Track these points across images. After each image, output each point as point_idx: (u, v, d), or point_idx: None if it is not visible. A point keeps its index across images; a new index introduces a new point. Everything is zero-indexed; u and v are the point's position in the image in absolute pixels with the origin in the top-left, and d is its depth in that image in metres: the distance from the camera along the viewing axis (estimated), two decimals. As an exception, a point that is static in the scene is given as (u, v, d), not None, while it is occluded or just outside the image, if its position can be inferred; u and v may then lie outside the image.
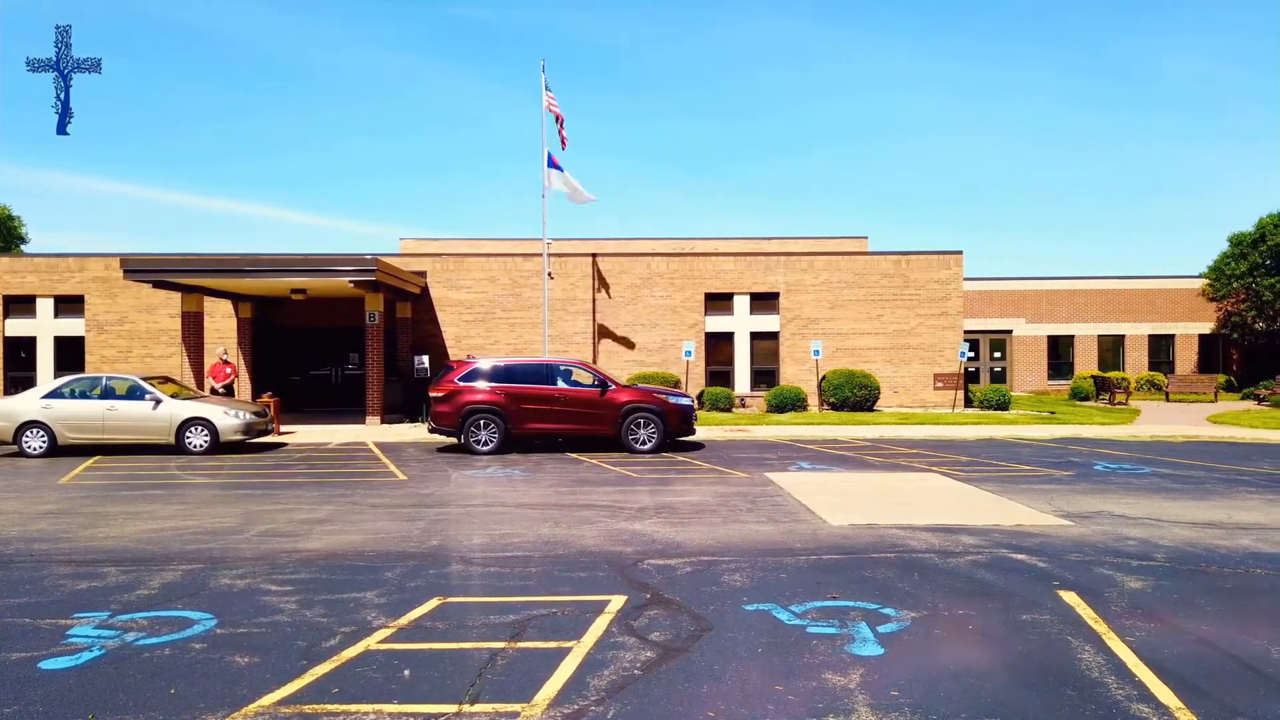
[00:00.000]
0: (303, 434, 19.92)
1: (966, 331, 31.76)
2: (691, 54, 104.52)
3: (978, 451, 16.37)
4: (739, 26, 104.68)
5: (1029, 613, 6.23)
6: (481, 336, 26.52)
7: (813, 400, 26.26)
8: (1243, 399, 31.31)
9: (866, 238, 34.05)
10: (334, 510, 10.53)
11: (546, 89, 23.61)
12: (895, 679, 4.94)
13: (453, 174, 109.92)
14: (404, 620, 6.10)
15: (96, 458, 16.02)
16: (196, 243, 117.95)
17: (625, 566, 7.62)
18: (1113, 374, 33.08)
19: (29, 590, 6.96)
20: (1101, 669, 5.11)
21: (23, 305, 26.54)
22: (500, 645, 5.54)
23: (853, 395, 24.86)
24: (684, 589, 6.87)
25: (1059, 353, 36.16)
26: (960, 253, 27.15)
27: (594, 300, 26.73)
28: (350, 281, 20.58)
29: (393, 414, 22.80)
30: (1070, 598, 6.57)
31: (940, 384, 26.75)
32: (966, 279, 30.17)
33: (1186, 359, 36.05)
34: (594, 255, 27.09)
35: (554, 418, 16.57)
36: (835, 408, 25.25)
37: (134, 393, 16.64)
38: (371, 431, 20.46)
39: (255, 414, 17.31)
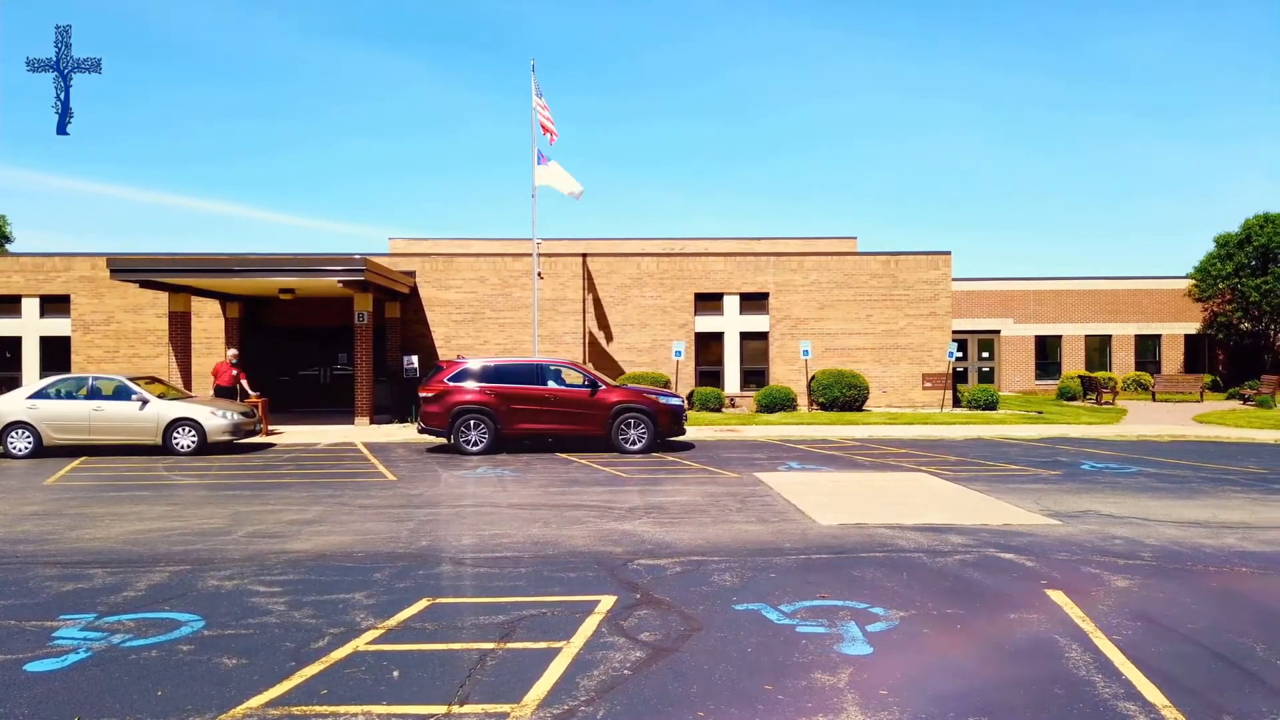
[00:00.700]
0: (291, 434, 19.85)
1: (955, 331, 31.90)
2: (681, 54, 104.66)
3: (966, 451, 16.44)
4: (729, 27, 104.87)
5: (1017, 612, 6.26)
6: (471, 336, 26.47)
7: (802, 400, 26.33)
8: (1228, 399, 31.54)
9: (855, 238, 34.16)
10: (323, 511, 10.49)
11: (536, 90, 23.58)
12: (884, 678, 4.96)
13: (442, 175, 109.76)
14: (393, 621, 6.08)
15: (83, 459, 15.92)
16: (185, 244, 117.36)
17: (615, 567, 7.62)
18: (1100, 374, 33.28)
19: (14, 592, 6.91)
20: (1089, 667, 5.14)
21: (8, 305, 26.32)
22: (490, 646, 5.53)
23: (842, 395, 24.93)
24: (674, 589, 6.88)
25: (1046, 353, 36.35)
26: (949, 253, 27.26)
27: (584, 300, 26.72)
28: (339, 281, 20.51)
29: (382, 414, 22.73)
30: (1058, 596, 6.60)
31: (929, 384, 26.85)
32: (955, 279, 30.31)
33: (1173, 359, 36.30)
34: (584, 255, 27.08)
35: (544, 418, 16.55)
36: (824, 408, 25.31)
37: (120, 393, 16.53)
38: (360, 432, 20.40)
39: (243, 414, 17.23)
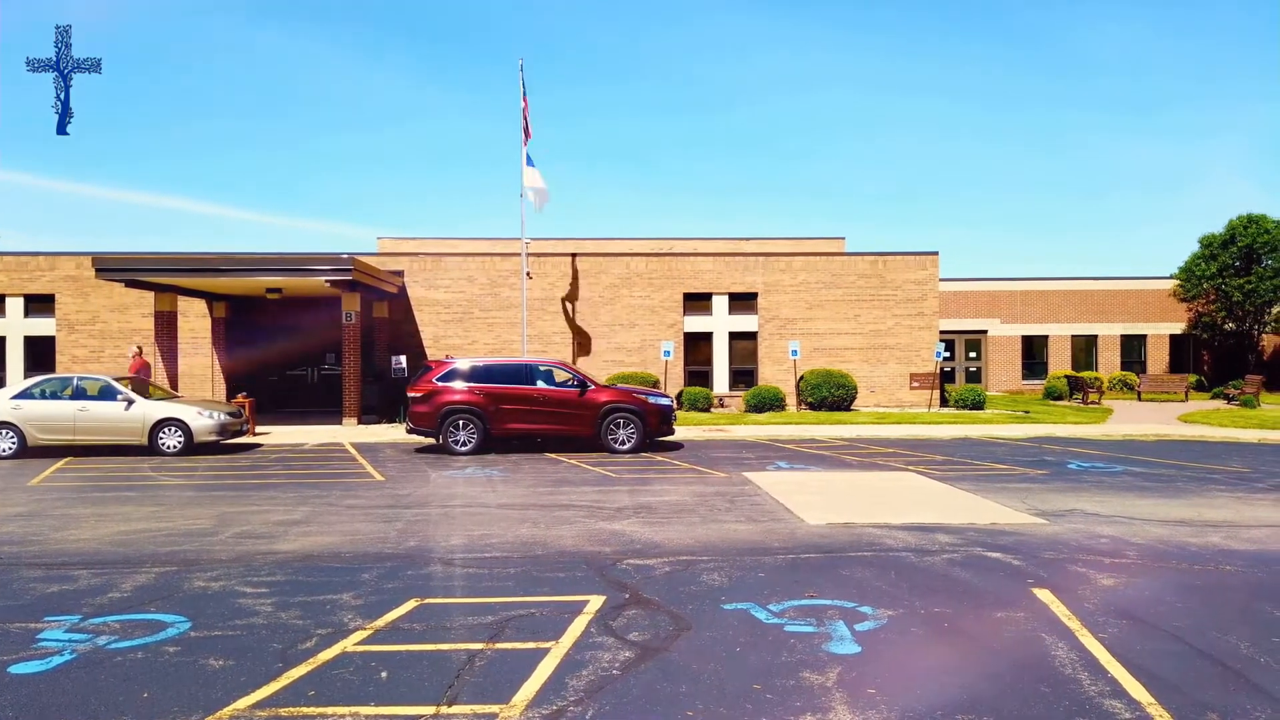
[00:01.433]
0: (278, 435, 19.75)
1: (942, 331, 32.03)
2: (669, 53, 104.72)
3: (953, 450, 16.51)
4: (720, 28, 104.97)
5: (1004, 610, 6.29)
6: (460, 336, 26.41)
7: (791, 400, 26.38)
8: (1213, 398, 31.78)
9: (844, 238, 34.25)
10: (310, 511, 10.45)
11: (523, 89, 23.56)
12: (872, 677, 4.98)
13: (430, 174, 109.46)
14: (381, 622, 6.06)
15: (68, 459, 15.81)
16: (171, 245, 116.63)
17: (604, 566, 7.62)
18: (1086, 374, 33.50)
19: (-2, 594, 6.85)
20: (1075, 665, 5.17)
21: (-9, 304, 26.13)
22: (479, 646, 5.52)
23: (830, 395, 25.00)
24: (662, 589, 6.88)
25: (1033, 353, 36.55)
26: (936, 253, 27.37)
27: (573, 300, 26.70)
28: (326, 281, 20.43)
29: (370, 414, 22.65)
30: (1044, 595, 6.64)
31: (917, 384, 26.95)
32: (942, 280, 30.42)
33: (1158, 359, 36.56)
34: (573, 255, 27.06)
35: (533, 418, 16.53)
36: (813, 407, 25.37)
37: (105, 393, 16.42)
38: (348, 432, 20.32)
39: (230, 414, 17.14)
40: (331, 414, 23.99)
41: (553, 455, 16.00)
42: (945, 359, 33.45)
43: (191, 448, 16.33)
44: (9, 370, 26.01)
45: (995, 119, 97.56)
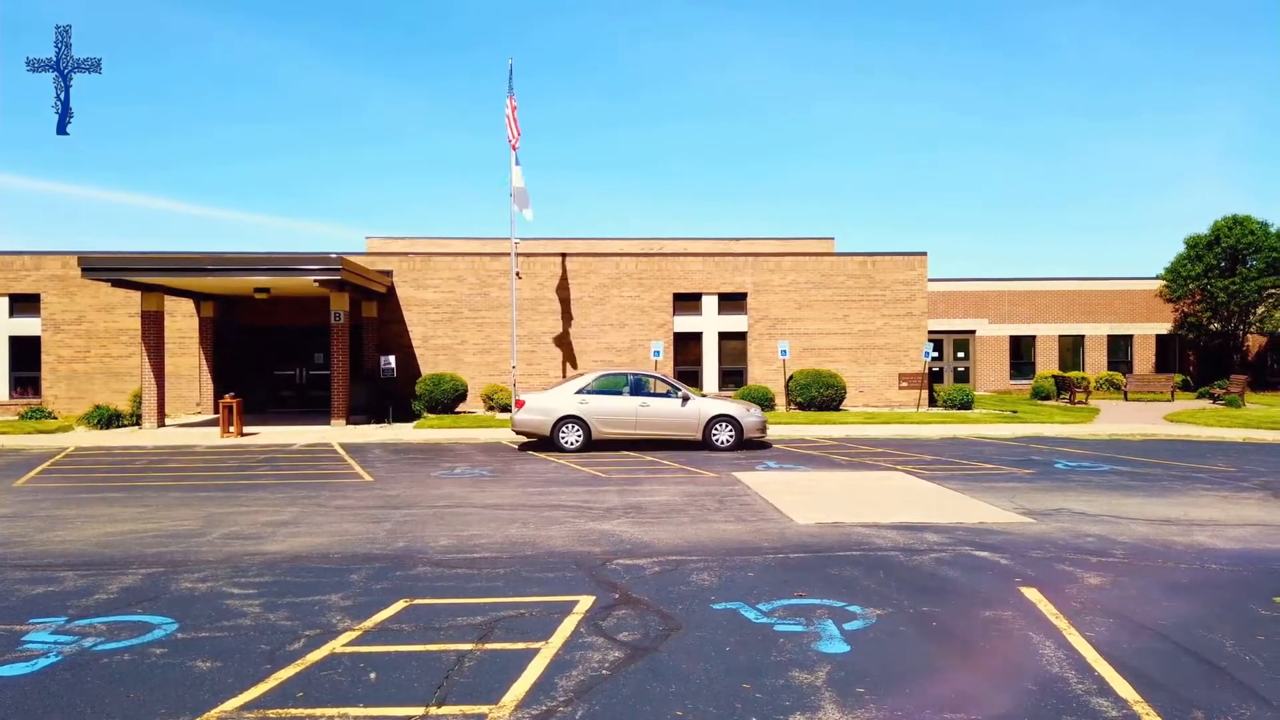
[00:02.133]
0: (266, 435, 19.66)
1: (931, 332, 32.15)
2: (663, 62, 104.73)
3: (942, 450, 16.57)
4: (707, 29, 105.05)
5: (992, 609, 6.32)
6: (449, 336, 26.36)
7: (780, 400, 26.42)
8: (1198, 398, 32.00)
9: (833, 239, 34.34)
10: (298, 512, 10.40)
11: (511, 90, 23.52)
12: (861, 676, 4.99)
13: (420, 174, 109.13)
14: (370, 623, 6.04)
15: (53, 460, 15.69)
16: (158, 246, 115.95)
17: (593, 567, 7.61)
18: (1073, 374, 33.67)
19: (-18, 596, 6.79)
20: (1062, 664, 5.20)
21: (-24, 304, 25.91)
22: (468, 647, 5.51)
23: (819, 395, 25.05)
24: (652, 589, 6.88)
25: (1021, 353, 36.72)
26: (925, 254, 27.47)
27: (562, 300, 26.68)
28: (315, 280, 20.34)
29: (358, 414, 22.56)
30: (1032, 594, 6.68)
31: (905, 383, 27.04)
32: (931, 280, 30.54)
33: (1144, 359, 36.79)
34: (563, 255, 27.03)
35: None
36: (802, 407, 25.42)
37: (663, 390, 17.22)
38: (337, 432, 20.24)
39: (761, 413, 17.53)
40: (320, 414, 23.90)
41: (541, 455, 15.97)
42: (933, 359, 33.57)
43: (741, 443, 16.65)
44: (-7, 370, 25.81)
45: (984, 122, 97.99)
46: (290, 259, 21.28)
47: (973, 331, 36.20)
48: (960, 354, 36.17)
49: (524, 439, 17.63)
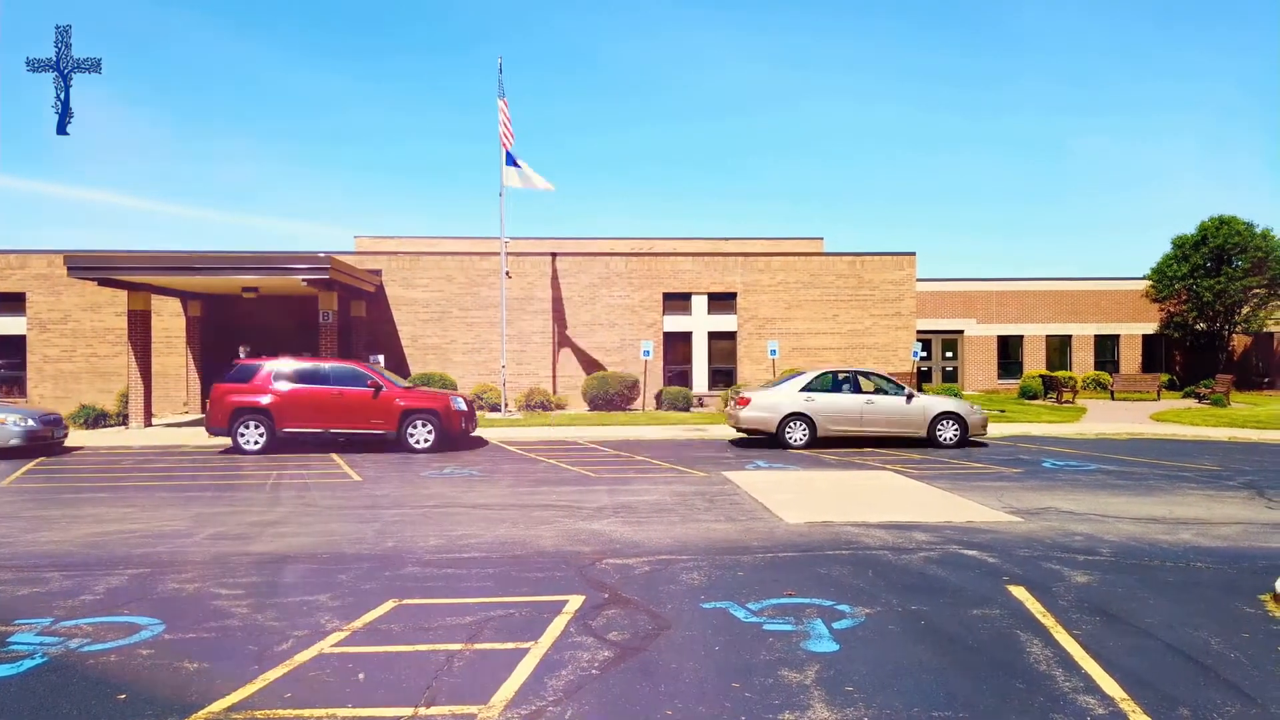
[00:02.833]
0: (254, 435, 19.53)
1: (919, 331, 32.26)
2: (651, 55, 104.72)
3: (929, 449, 16.61)
4: (697, 30, 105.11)
5: (980, 608, 6.35)
6: (438, 335, 26.30)
7: (769, 399, 26.43)
8: (1184, 397, 32.21)
9: (822, 239, 34.43)
10: (287, 512, 10.36)
11: (501, 89, 23.48)
12: (850, 675, 5.01)
13: (410, 173, 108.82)
14: (358, 623, 6.02)
15: (40, 459, 15.58)
16: (144, 245, 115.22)
17: (583, 566, 7.61)
18: (1060, 373, 33.83)
19: (-33, 597, 6.73)
20: (1050, 662, 5.23)
21: (-40, 303, 25.71)
22: (457, 647, 5.50)
23: (809, 394, 25.06)
24: (642, 588, 6.88)
25: (1009, 352, 36.88)
26: (913, 254, 27.56)
27: (552, 299, 26.65)
28: (303, 280, 20.26)
29: (347, 414, 22.44)
30: (1019, 592, 6.71)
31: (894, 383, 27.10)
32: (919, 280, 30.65)
33: (1131, 358, 37.00)
34: (553, 255, 27.01)
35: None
36: (792, 407, 25.44)
37: (886, 388, 17.36)
38: (325, 432, 20.12)
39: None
40: (308, 414, 23.74)
41: (530, 455, 15.96)
42: (922, 358, 33.70)
43: (965, 441, 16.86)
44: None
45: (974, 122, 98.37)
46: (278, 258, 21.20)
47: (961, 331, 36.34)
48: (948, 354, 36.31)
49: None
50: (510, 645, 5.52)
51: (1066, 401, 29.41)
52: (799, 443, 16.72)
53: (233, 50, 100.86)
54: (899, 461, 14.77)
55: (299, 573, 7.46)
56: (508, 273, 25.18)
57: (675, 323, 27.17)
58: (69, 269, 20.20)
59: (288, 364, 16.92)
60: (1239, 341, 37.27)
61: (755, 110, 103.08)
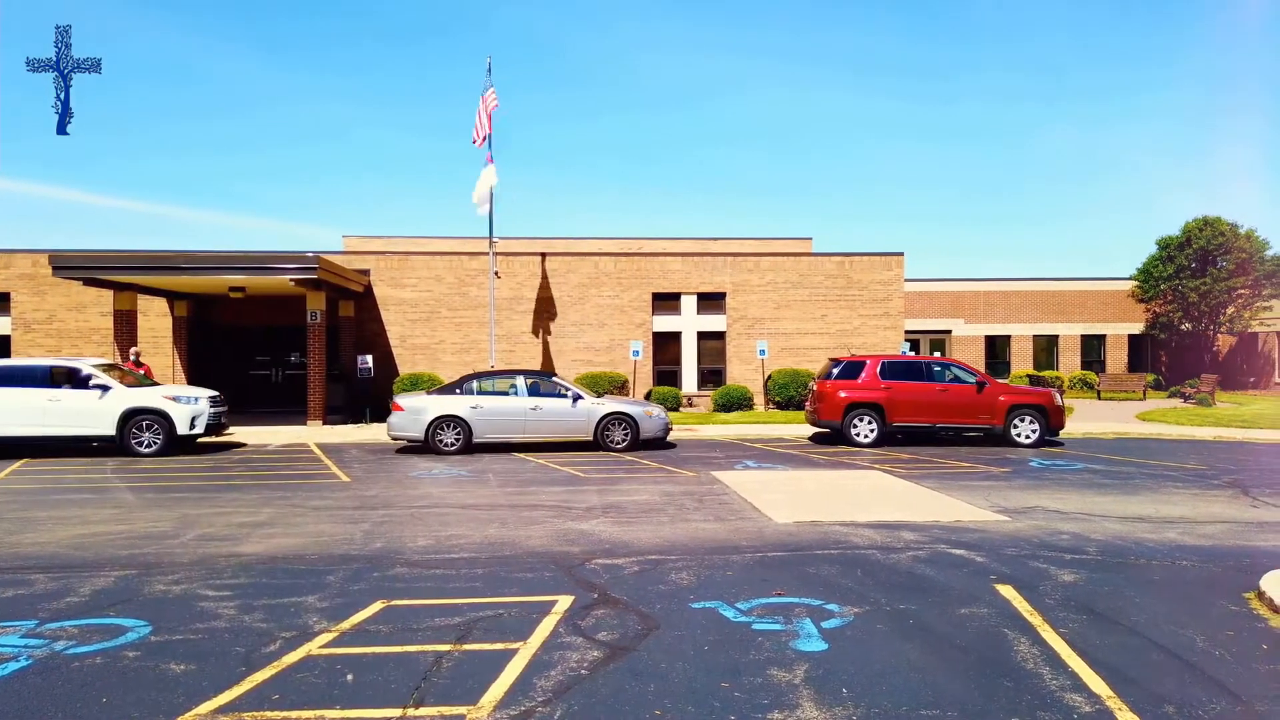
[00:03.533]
0: (242, 435, 19.46)
1: (908, 331, 32.38)
2: (639, 58, 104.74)
3: (918, 449, 16.68)
4: (685, 33, 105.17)
5: (967, 606, 6.38)
6: (427, 336, 26.22)
7: (759, 399, 26.51)
8: (1169, 397, 32.44)
9: (811, 239, 34.50)
10: (274, 513, 10.31)
11: (489, 88, 23.42)
12: (839, 674, 5.02)
13: (398, 172, 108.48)
14: (347, 624, 6.00)
15: (25, 460, 15.46)
16: (133, 246, 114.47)
17: (572, 566, 7.60)
18: (1047, 373, 34.04)
19: (-50, 599, 6.67)
20: (1036, 660, 5.26)
21: (-57, 303, 25.48)
22: (446, 648, 5.48)
23: (798, 394, 25.14)
24: (631, 588, 6.88)
25: (996, 352, 37.07)
26: (902, 254, 27.65)
27: (541, 299, 26.61)
28: (291, 279, 20.17)
29: (335, 414, 22.40)
30: (1007, 591, 6.74)
31: (883, 383, 27.18)
32: (907, 280, 30.72)
33: (1117, 358, 37.24)
34: (542, 255, 26.98)
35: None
36: (781, 406, 25.52)
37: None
38: (313, 432, 20.09)
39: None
40: (296, 414, 23.67)
41: (520, 455, 15.93)
42: (911, 358, 33.74)
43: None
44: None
45: (963, 122, 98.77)
46: (266, 258, 21.10)
47: (949, 331, 36.50)
48: (936, 353, 36.46)
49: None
50: (499, 646, 5.51)
51: (1053, 401, 29.52)
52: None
53: (218, 50, 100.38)
54: (887, 461, 14.81)
55: (287, 574, 7.41)
56: (497, 273, 25.14)
57: (664, 323, 27.18)
58: (54, 269, 20.06)
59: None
60: (1224, 341, 37.56)
61: (747, 113, 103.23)
